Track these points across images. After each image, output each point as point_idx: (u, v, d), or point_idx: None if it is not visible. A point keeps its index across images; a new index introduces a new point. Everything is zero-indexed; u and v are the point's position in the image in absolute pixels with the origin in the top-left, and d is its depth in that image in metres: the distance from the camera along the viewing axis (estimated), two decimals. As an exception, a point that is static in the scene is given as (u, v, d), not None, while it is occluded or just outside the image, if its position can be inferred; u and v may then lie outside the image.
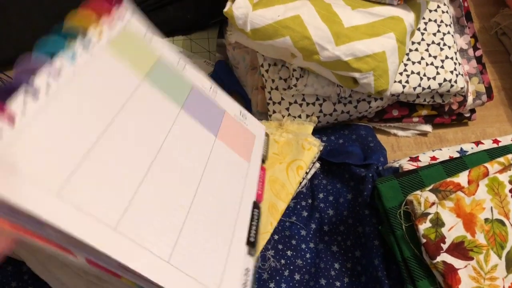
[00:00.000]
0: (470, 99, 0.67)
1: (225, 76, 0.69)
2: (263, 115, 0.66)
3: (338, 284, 0.54)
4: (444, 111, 0.67)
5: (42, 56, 0.35)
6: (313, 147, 0.59)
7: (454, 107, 0.66)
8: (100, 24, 0.40)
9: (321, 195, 0.59)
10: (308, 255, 0.56)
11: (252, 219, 0.46)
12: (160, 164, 0.39)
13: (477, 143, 0.57)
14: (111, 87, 0.39)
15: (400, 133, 0.69)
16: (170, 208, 0.38)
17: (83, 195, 0.33)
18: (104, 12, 0.41)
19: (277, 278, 0.54)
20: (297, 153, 0.58)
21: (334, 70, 0.56)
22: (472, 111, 0.69)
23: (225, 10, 0.55)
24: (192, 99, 0.47)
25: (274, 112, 0.62)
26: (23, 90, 0.32)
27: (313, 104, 0.61)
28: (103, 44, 0.40)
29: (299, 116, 0.62)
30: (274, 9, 0.55)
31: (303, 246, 0.56)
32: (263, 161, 0.53)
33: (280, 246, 0.55)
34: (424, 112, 0.67)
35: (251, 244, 0.43)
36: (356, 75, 0.55)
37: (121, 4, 0.44)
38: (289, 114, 0.62)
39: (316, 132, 0.64)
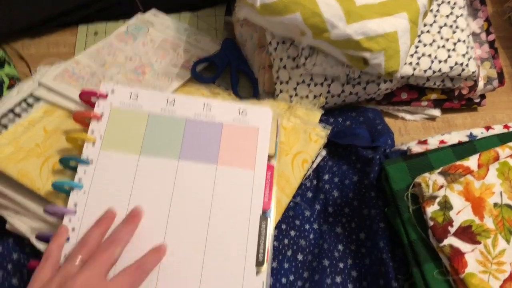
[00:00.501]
0: (481, 84, 0.65)
1: (232, 55, 0.67)
2: (269, 95, 0.65)
3: (341, 265, 0.53)
4: (454, 96, 0.66)
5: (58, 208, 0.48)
6: (320, 138, 0.58)
7: (464, 91, 0.65)
8: (90, 130, 0.51)
9: (326, 177, 0.59)
10: (311, 236, 0.55)
11: (260, 234, 0.49)
12: (174, 220, 0.48)
13: (487, 128, 0.56)
14: (117, 177, 0.49)
15: (408, 116, 0.67)
16: (189, 260, 0.47)
17: None
18: (89, 114, 0.52)
19: (280, 257, 0.53)
20: (304, 144, 0.57)
21: (344, 49, 0.55)
22: (482, 96, 0.68)
23: (234, -17, 0.54)
24: (188, 135, 0.52)
25: (281, 91, 0.61)
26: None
27: (321, 84, 0.60)
28: (98, 147, 0.51)
29: (307, 97, 0.61)
30: (285, -16, 0.54)
31: (307, 226, 0.56)
32: (270, 157, 0.53)
33: (283, 226, 0.55)
34: (433, 96, 0.65)
35: (259, 262, 0.47)
36: (367, 55, 0.53)
37: (99, 95, 0.53)
38: (296, 94, 0.61)
39: (323, 113, 0.63)
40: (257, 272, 0.47)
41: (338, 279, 0.52)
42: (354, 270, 0.53)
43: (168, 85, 0.63)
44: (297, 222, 0.56)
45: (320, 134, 0.57)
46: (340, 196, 0.57)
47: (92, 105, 0.53)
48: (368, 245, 0.53)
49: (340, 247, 0.54)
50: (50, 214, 0.49)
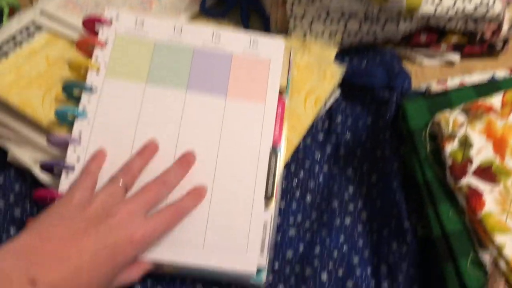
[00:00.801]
0: (505, 27, 0.62)
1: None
2: (282, 33, 0.62)
3: (351, 207, 0.52)
4: (475, 40, 0.62)
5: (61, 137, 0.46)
6: (335, 77, 0.55)
7: (487, 35, 0.62)
8: (94, 57, 0.49)
9: (339, 118, 0.56)
10: (321, 178, 0.54)
11: (269, 169, 0.47)
12: (181, 152, 0.46)
13: None
14: (123, 106, 0.47)
15: (426, 61, 0.65)
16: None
17: None
18: (93, 41, 0.49)
19: (288, 198, 0.52)
20: (317, 82, 0.55)
21: (364, -19, 0.52)
22: (505, 41, 0.64)
23: None
24: (196, 65, 0.50)
25: (294, 28, 0.58)
26: (60, 170, 0.45)
27: (338, 21, 0.57)
28: (102, 75, 0.48)
29: (322, 34, 0.58)
30: None
31: (317, 168, 0.54)
32: (281, 92, 0.50)
33: (292, 167, 0.53)
34: (454, 39, 0.62)
35: (268, 198, 0.46)
36: (388, -13, 0.50)
37: (103, 21, 0.50)
38: (310, 31, 0.58)
39: (339, 53, 0.60)
40: (266, 207, 0.46)
41: (348, 221, 0.51)
42: (364, 212, 0.52)
43: (176, 19, 0.60)
44: (307, 164, 0.54)
45: (335, 72, 0.54)
46: (353, 138, 0.55)
47: (95, 34, 0.51)
48: (380, 187, 0.51)
49: (350, 188, 0.53)
50: (53, 144, 0.47)
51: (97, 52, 0.49)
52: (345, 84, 0.57)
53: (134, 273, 0.42)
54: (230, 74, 0.50)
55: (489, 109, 0.44)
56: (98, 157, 0.45)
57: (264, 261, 0.45)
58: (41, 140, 0.49)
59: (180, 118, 0.48)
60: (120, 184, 0.42)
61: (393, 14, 0.57)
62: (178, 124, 0.47)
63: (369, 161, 0.53)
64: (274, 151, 0.48)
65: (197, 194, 0.45)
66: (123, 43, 0.50)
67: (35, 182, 0.50)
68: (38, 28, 0.56)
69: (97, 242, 0.37)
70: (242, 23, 0.63)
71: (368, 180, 0.53)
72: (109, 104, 0.47)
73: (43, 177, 0.49)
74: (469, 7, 0.57)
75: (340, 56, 0.60)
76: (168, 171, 0.45)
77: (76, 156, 0.45)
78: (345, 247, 0.50)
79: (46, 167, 0.46)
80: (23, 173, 0.51)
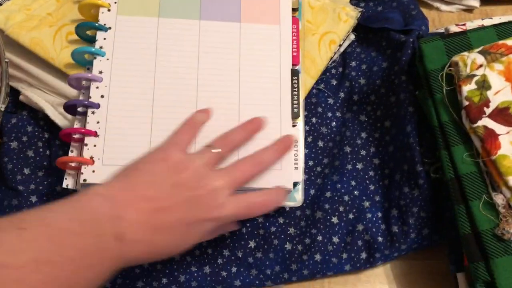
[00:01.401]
0: (529, -30, 0.60)
1: None
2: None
3: (363, 152, 0.51)
4: (497, -16, 0.60)
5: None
6: (350, 18, 0.54)
7: (509, -21, 0.60)
8: None
9: (353, 64, 0.55)
10: (334, 123, 0.53)
11: (292, 89, 0.47)
12: (203, 85, 0.46)
13: (534, 14, 0.51)
14: (139, 41, 0.47)
15: (443, 7, 0.62)
16: (223, 122, 0.45)
17: None
18: None
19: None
20: (332, 24, 0.53)
21: None
22: (528, -14, 0.62)
23: None
24: None
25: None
26: (85, 109, 0.45)
27: (354, -39, 0.55)
28: (114, 12, 0.48)
29: (337, -25, 0.56)
30: None
31: (329, 114, 0.53)
32: (294, 9, 0.50)
33: (305, 113, 0.53)
34: (474, -17, 0.60)
35: (295, 114, 0.47)
36: None
37: None
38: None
39: (353, -2, 0.58)
40: (293, 125, 0.47)
41: (359, 166, 0.51)
42: (376, 158, 0.51)
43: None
44: (320, 109, 0.53)
45: (350, 14, 0.53)
46: (367, 83, 0.54)
47: None
48: (393, 132, 0.51)
49: (363, 134, 0.52)
50: (74, 84, 0.46)
51: None
52: (360, 29, 0.56)
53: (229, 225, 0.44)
54: (241, 0, 0.49)
55: (510, 50, 0.43)
56: (204, 112, 0.45)
57: (299, 177, 0.45)
58: (55, 82, 0.49)
59: (197, 48, 0.47)
60: (216, 154, 0.41)
61: (412, -46, 0.55)
62: (196, 54, 0.47)
63: (383, 107, 0.52)
64: (295, 71, 0.48)
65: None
66: None
67: (48, 124, 0.50)
68: (47, -32, 0.55)
69: (178, 211, 0.37)
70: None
71: (382, 126, 0.52)
72: (125, 40, 0.47)
73: (56, 116, 0.49)
74: None
75: (355, 0, 0.58)
76: (265, 151, 0.43)
77: (99, 94, 0.45)
78: (356, 192, 0.50)
79: (70, 108, 0.46)
80: (36, 115, 0.51)
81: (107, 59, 0.46)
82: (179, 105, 0.45)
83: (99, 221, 0.34)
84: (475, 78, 0.42)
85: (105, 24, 0.47)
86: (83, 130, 0.43)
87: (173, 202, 0.37)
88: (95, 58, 0.46)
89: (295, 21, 0.50)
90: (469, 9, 0.63)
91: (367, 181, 0.50)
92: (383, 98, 0.53)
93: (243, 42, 0.48)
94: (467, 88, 0.41)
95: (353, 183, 0.50)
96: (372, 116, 0.53)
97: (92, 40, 0.47)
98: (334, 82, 0.55)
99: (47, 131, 0.51)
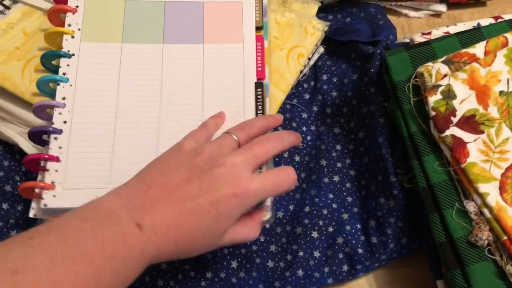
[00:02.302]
0: (491, -27, 0.61)
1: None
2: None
3: (339, 165, 0.52)
4: (462, -11, 0.61)
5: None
6: (317, 31, 0.54)
7: (473, -17, 0.61)
8: (67, 23, 0.48)
9: (324, 77, 0.56)
10: (309, 137, 0.54)
11: (256, 101, 0.47)
12: (166, 107, 0.46)
13: (496, 18, 0.52)
14: (103, 67, 0.47)
15: (411, 13, 0.63)
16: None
17: None
18: (64, 7, 0.49)
19: (276, 159, 0.52)
20: (299, 38, 0.54)
21: None
22: (492, -12, 0.63)
23: None
24: (169, 17, 0.50)
25: (275, -14, 0.57)
26: (51, 136, 0.44)
27: (319, -24, 0.56)
28: (78, 39, 0.48)
29: (303, -9, 0.57)
30: None
31: (304, 128, 0.54)
32: (258, 28, 0.50)
33: (280, 128, 0.53)
34: (439, -11, 0.61)
35: None
36: None
37: None
38: (291, -11, 0.57)
39: (322, 11, 0.59)
40: None
41: (336, 178, 0.51)
42: (352, 169, 0.52)
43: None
44: (294, 124, 0.54)
45: (316, 27, 0.53)
46: (339, 95, 0.55)
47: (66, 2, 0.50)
48: (367, 143, 0.51)
49: (338, 147, 0.53)
50: (38, 112, 0.46)
51: (69, 18, 0.49)
52: (329, 42, 0.56)
53: (250, 231, 0.40)
54: (204, 22, 0.50)
55: (472, 58, 0.44)
56: (218, 116, 0.45)
57: None
58: (26, 115, 0.49)
59: (160, 70, 0.48)
60: (233, 137, 0.40)
61: (375, -34, 0.55)
62: (159, 77, 0.48)
63: (356, 118, 0.53)
64: (259, 84, 0.48)
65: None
66: (94, 4, 0.49)
67: (23, 157, 0.50)
68: (14, 1, 0.55)
69: (199, 191, 0.35)
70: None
71: (356, 137, 0.53)
72: (88, 66, 0.47)
73: (30, 149, 0.49)
74: (454, -46, 0.56)
75: (323, 13, 0.59)
76: (284, 132, 0.43)
77: (62, 120, 0.45)
78: (334, 205, 0.50)
79: (35, 136, 0.45)
80: (11, 149, 0.51)
81: (70, 85, 0.46)
82: (141, 130, 0.45)
83: (115, 213, 0.33)
84: (440, 88, 0.42)
85: (68, 51, 0.47)
86: (46, 156, 0.43)
87: (191, 183, 0.36)
88: (58, 85, 0.46)
89: (259, 38, 0.50)
90: (437, 14, 0.64)
91: (345, 193, 0.51)
92: (355, 110, 0.53)
93: (206, 62, 0.48)
94: (433, 99, 0.42)
95: (331, 196, 0.50)
96: (345, 128, 0.53)
97: (57, 70, 0.47)
98: (307, 96, 0.55)
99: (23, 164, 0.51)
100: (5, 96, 0.50)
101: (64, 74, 0.46)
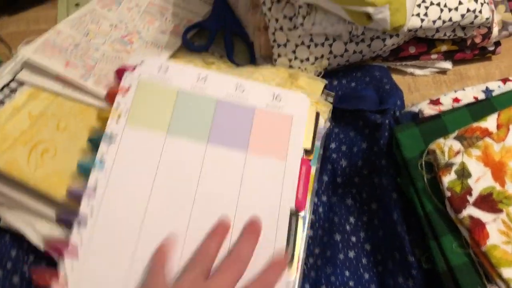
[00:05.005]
0: (495, 30, 0.60)
1: (225, 16, 0.62)
2: (267, 59, 0.60)
3: (354, 239, 0.50)
4: (466, 46, 0.61)
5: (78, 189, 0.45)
6: (323, 113, 0.54)
7: (477, 40, 0.60)
8: (116, 104, 0.48)
9: (333, 145, 0.55)
10: (320, 209, 0.52)
11: (289, 233, 0.45)
12: (199, 207, 0.45)
13: (504, 80, 0.51)
14: (142, 156, 0.46)
15: (417, 71, 0.63)
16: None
17: None
18: (116, 87, 0.49)
19: (289, 234, 0.51)
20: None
21: (345, 5, 0.50)
22: (497, 43, 0.63)
23: None
24: (218, 117, 0.48)
25: (279, 56, 0.57)
26: (75, 222, 0.43)
27: (322, 44, 0.56)
28: (123, 123, 0.47)
29: (307, 59, 0.56)
30: None
31: (315, 200, 0.53)
32: (307, 151, 0.48)
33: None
34: (443, 47, 0.61)
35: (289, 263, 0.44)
36: (370, 10, 0.48)
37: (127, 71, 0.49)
38: (295, 58, 0.56)
39: (326, 75, 0.58)
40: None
41: (351, 254, 0.50)
42: (367, 243, 0.50)
43: (158, 54, 0.59)
44: (305, 195, 0.53)
45: (322, 109, 0.53)
46: (349, 165, 0.54)
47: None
48: (381, 215, 0.50)
49: (351, 219, 0.52)
50: (70, 197, 0.45)
51: (118, 98, 0.48)
52: (336, 109, 0.56)
53: None
54: (252, 128, 0.48)
55: (485, 132, 0.43)
56: (166, 246, 0.43)
57: (292, 274, 0.44)
58: (33, 203, 0.48)
59: (199, 172, 0.46)
60: (200, 271, 0.40)
61: (378, 32, 0.55)
62: (196, 178, 0.46)
63: (367, 189, 0.52)
64: (295, 214, 0.45)
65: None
66: (145, 89, 0.49)
67: (31, 245, 0.49)
68: (20, 83, 0.55)
69: None
70: (226, 51, 0.61)
71: (369, 209, 0.51)
72: (128, 154, 0.46)
73: (37, 240, 0.48)
74: (456, 16, 0.55)
75: (328, 78, 0.58)
76: (240, 246, 0.43)
77: (89, 209, 0.44)
78: (351, 282, 0.48)
79: (63, 221, 0.45)
80: (19, 238, 0.50)
81: (105, 172, 0.45)
82: (166, 230, 0.44)
83: None
84: (454, 167, 0.41)
85: (111, 133, 0.47)
86: (66, 245, 0.43)
87: None
88: (94, 168, 0.45)
89: (305, 162, 0.48)
90: (443, 71, 0.63)
91: (361, 269, 0.49)
92: (366, 180, 0.52)
93: (246, 173, 0.46)
94: (447, 179, 0.41)
95: (347, 273, 0.49)
96: (358, 199, 0.52)
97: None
98: (316, 166, 0.54)
99: (31, 253, 0.50)
100: (13, 183, 0.49)
101: (101, 158, 0.45)
